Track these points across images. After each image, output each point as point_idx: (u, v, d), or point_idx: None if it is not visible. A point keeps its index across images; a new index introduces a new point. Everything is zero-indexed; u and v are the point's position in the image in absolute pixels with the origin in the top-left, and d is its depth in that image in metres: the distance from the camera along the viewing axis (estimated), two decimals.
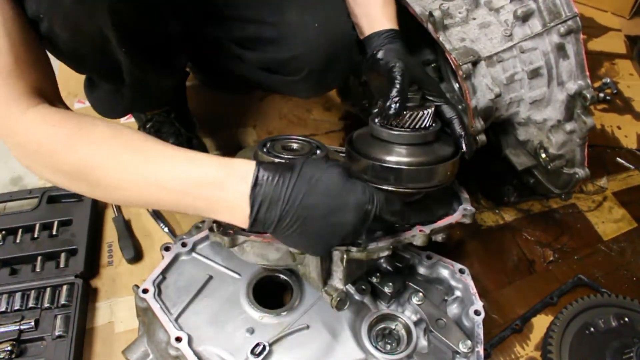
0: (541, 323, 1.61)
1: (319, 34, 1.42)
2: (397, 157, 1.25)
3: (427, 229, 1.24)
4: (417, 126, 1.27)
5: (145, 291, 1.31)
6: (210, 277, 1.38)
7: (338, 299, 1.20)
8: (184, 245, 1.41)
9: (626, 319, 1.53)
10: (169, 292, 1.34)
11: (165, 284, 1.35)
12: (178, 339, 1.22)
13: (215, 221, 1.21)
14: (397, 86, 1.24)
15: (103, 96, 1.56)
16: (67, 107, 1.15)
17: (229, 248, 1.20)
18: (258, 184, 0.98)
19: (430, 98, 1.33)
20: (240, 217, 1.00)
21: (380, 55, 1.37)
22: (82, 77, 1.61)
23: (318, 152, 1.33)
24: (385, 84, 1.27)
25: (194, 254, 1.42)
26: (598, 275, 1.75)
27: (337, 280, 1.21)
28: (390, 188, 1.26)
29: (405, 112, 1.26)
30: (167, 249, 1.41)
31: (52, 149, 1.02)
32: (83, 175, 1.02)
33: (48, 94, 1.10)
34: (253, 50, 1.53)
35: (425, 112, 1.27)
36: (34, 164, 1.07)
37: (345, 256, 1.17)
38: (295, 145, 1.36)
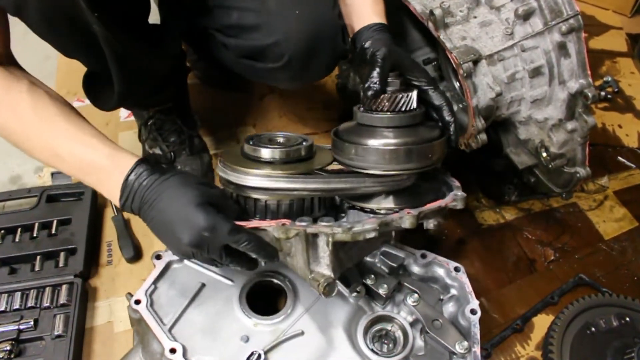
0: (542, 323, 1.61)
1: (298, 20, 1.43)
2: (384, 139, 1.26)
3: (415, 211, 1.23)
4: (398, 109, 1.28)
5: (137, 302, 1.29)
6: (203, 285, 1.37)
7: (325, 284, 1.16)
8: None
9: (627, 319, 1.53)
10: (161, 301, 1.32)
11: (158, 293, 1.34)
12: (172, 351, 1.21)
13: None
14: (377, 69, 1.28)
15: (99, 90, 1.55)
16: (11, 63, 1.26)
17: None
18: (129, 179, 1.15)
19: (418, 84, 1.35)
20: (115, 200, 1.18)
21: (367, 45, 1.41)
22: (81, 75, 1.61)
23: (304, 143, 1.33)
24: (368, 70, 1.30)
25: (185, 262, 1.41)
26: (599, 275, 1.75)
27: (325, 267, 1.19)
28: (377, 172, 1.26)
29: (387, 96, 1.28)
30: (158, 257, 1.39)
31: None
32: (7, 137, 1.22)
33: None
34: (236, 37, 1.54)
35: (407, 95, 1.28)
36: None
37: (330, 239, 1.16)
38: (281, 139, 1.37)
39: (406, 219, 1.21)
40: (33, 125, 1.18)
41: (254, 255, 1.17)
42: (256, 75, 1.65)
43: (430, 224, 1.27)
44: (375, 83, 1.26)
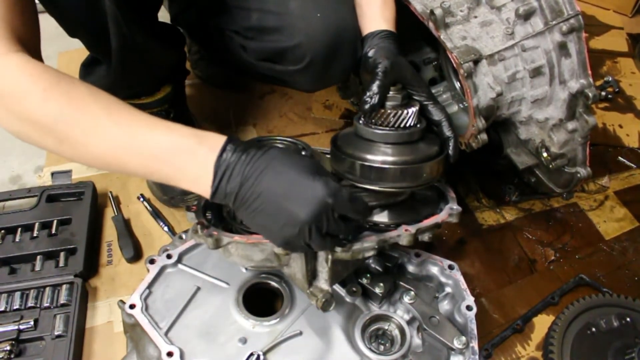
0: (542, 323, 1.61)
1: (320, 23, 1.44)
2: (382, 157, 1.25)
3: (412, 229, 1.23)
4: (401, 125, 1.28)
5: (132, 306, 1.28)
6: (198, 288, 1.36)
7: (323, 299, 1.19)
8: (169, 257, 1.39)
9: (628, 319, 1.52)
10: (157, 305, 1.31)
11: (153, 297, 1.33)
12: (170, 354, 1.20)
13: (199, 222, 1.20)
14: (377, 82, 1.27)
15: (95, 81, 1.55)
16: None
17: (213, 249, 1.19)
18: (224, 154, 1.00)
19: (418, 99, 1.34)
20: (203, 186, 1.01)
21: (370, 53, 1.40)
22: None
23: (303, 153, 1.33)
24: (369, 81, 1.29)
25: (180, 266, 1.40)
26: (600, 275, 1.74)
27: (323, 281, 1.20)
28: (375, 188, 1.26)
29: (389, 111, 1.27)
30: (151, 261, 1.38)
31: (26, 97, 1.01)
32: (53, 129, 1.02)
33: (32, 49, 1.09)
34: (256, 39, 1.54)
35: (410, 110, 1.27)
36: (1, 108, 1.04)
37: (330, 257, 1.16)
38: (280, 146, 1.36)
39: (404, 237, 1.22)
40: (95, 115, 1.01)
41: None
42: (275, 77, 1.65)
43: (425, 237, 1.28)
44: (372, 97, 1.25)
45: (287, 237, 1.03)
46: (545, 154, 1.60)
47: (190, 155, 1.00)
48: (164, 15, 1.87)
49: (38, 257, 1.59)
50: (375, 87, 1.26)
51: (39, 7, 1.19)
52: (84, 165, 1.76)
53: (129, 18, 1.31)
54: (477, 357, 1.26)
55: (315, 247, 1.06)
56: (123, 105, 1.05)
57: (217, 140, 1.01)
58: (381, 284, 1.35)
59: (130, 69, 1.44)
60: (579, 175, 1.61)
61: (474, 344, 1.28)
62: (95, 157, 1.05)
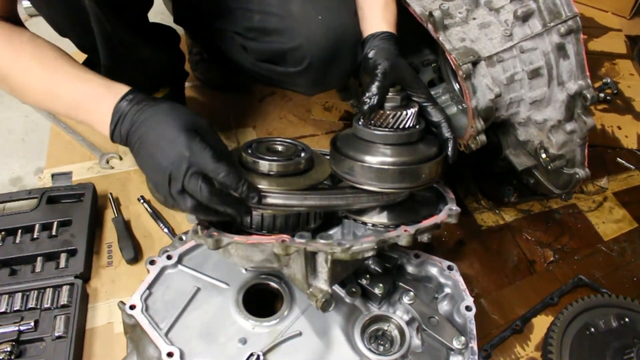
0: (541, 323, 1.61)
1: (321, 26, 1.45)
2: (381, 157, 1.26)
3: (411, 229, 1.23)
4: (400, 126, 1.28)
5: (132, 307, 1.29)
6: (198, 289, 1.37)
7: (323, 300, 1.19)
8: (169, 258, 1.40)
9: (627, 320, 1.53)
10: (157, 306, 1.32)
11: (153, 298, 1.33)
12: (170, 355, 1.21)
13: (199, 223, 1.20)
14: (376, 83, 1.28)
15: None
16: (16, 22, 1.28)
17: (213, 250, 1.20)
18: (121, 103, 1.15)
19: (417, 100, 1.35)
20: (106, 128, 1.17)
21: (370, 54, 1.41)
22: None
23: (302, 154, 1.33)
24: (368, 82, 1.30)
25: (180, 267, 1.41)
26: (598, 276, 1.75)
27: (323, 282, 1.21)
28: (374, 189, 1.26)
29: (388, 112, 1.28)
30: (152, 262, 1.39)
31: None
32: (4, 79, 1.24)
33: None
34: (257, 40, 1.55)
35: (409, 112, 1.28)
36: None
37: (329, 257, 1.17)
38: (279, 147, 1.37)
39: (403, 237, 1.22)
40: (32, 69, 1.21)
41: (233, 192, 1.13)
42: (275, 79, 1.66)
43: (424, 238, 1.29)
44: (371, 98, 1.26)
45: (154, 180, 1.15)
46: (544, 155, 1.61)
47: (99, 102, 1.17)
48: (166, 18, 1.88)
49: (38, 258, 1.59)
50: (374, 88, 1.26)
51: (34, 10, 1.23)
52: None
53: (113, 17, 1.32)
54: (476, 357, 1.27)
55: (176, 198, 1.12)
56: (58, 57, 1.22)
57: (122, 90, 1.17)
58: (380, 285, 1.35)
59: (120, 68, 1.44)
60: (577, 176, 1.62)
61: (473, 344, 1.28)
62: (36, 102, 1.28)
